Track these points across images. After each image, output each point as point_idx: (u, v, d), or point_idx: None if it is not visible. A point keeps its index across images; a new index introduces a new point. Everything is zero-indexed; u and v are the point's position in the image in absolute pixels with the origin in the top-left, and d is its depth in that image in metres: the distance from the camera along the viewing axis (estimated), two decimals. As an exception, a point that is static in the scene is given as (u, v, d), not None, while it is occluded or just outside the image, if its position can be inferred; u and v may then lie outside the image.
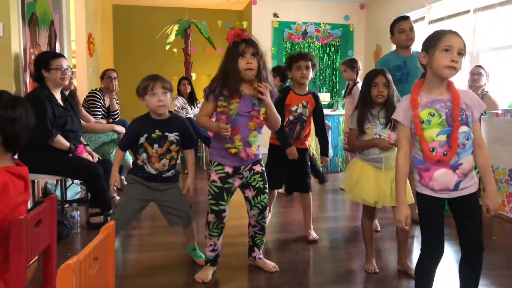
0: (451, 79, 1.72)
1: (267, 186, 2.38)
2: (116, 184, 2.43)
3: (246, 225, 3.34)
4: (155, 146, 2.31)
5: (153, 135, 2.30)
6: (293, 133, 2.86)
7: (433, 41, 1.69)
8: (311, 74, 2.85)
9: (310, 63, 2.81)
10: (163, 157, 2.33)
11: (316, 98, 2.91)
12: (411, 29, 3.13)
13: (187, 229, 2.53)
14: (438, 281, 2.35)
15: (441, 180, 1.70)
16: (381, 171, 2.33)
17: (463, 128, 1.68)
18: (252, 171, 2.31)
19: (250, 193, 2.35)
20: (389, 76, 2.33)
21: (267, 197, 2.39)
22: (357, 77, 4.45)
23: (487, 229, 3.30)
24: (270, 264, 2.48)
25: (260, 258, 2.50)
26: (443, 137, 1.68)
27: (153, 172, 2.34)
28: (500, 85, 4.27)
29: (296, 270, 2.52)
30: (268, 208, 3.10)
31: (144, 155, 2.33)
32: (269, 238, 3.04)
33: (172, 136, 2.33)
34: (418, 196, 1.79)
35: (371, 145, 2.33)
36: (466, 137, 1.69)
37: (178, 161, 2.49)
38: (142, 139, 2.31)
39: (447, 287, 2.32)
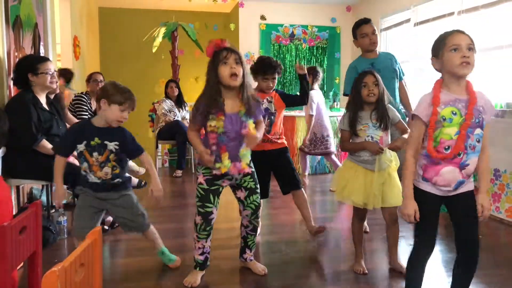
0: (469, 79, 1.74)
1: (258, 186, 2.37)
2: (61, 202, 2.23)
3: (236, 228, 3.32)
4: (95, 154, 2.21)
5: (92, 142, 2.20)
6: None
7: (440, 44, 1.71)
8: (275, 82, 2.90)
9: (276, 75, 2.85)
10: (104, 165, 2.23)
11: (280, 92, 2.96)
12: (373, 33, 3.07)
13: (146, 235, 2.48)
14: (426, 281, 2.38)
15: (446, 176, 1.73)
16: (371, 173, 2.33)
17: (477, 131, 1.71)
18: (242, 173, 2.30)
19: (242, 194, 2.34)
20: (378, 76, 2.34)
21: (259, 197, 2.37)
22: (313, 84, 4.54)
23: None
24: (260, 267, 2.47)
25: (251, 260, 2.50)
26: None
27: (97, 181, 2.25)
28: (483, 86, 4.32)
29: (286, 272, 2.51)
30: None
31: (85, 164, 2.24)
32: (259, 240, 3.04)
33: (111, 145, 2.22)
34: (418, 191, 1.81)
35: (361, 148, 2.34)
36: (478, 140, 1.72)
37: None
38: (81, 147, 2.21)
39: (436, 286, 2.34)
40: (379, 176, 2.31)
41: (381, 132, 2.33)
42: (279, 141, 2.94)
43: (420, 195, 1.79)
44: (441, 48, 1.70)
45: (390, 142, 2.38)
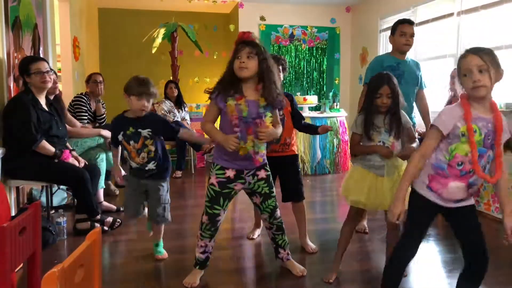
0: (494, 100, 1.76)
1: (273, 190, 2.36)
2: (119, 178, 2.66)
3: (236, 228, 3.33)
4: (132, 142, 2.47)
5: (127, 132, 2.47)
6: None
7: (458, 70, 1.76)
8: (281, 78, 2.82)
9: (281, 68, 2.80)
10: (141, 151, 2.49)
11: (290, 97, 2.85)
12: (412, 36, 3.09)
13: (158, 226, 2.69)
14: (426, 281, 2.38)
15: (453, 191, 1.74)
16: (380, 178, 2.27)
17: (490, 152, 1.72)
18: (256, 177, 2.28)
19: (257, 200, 2.35)
20: (394, 84, 2.27)
21: (274, 200, 2.37)
22: None
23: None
24: (298, 268, 2.48)
25: (288, 259, 2.50)
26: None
27: (136, 166, 2.52)
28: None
29: (286, 273, 2.51)
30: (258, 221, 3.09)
31: (125, 152, 2.53)
32: (258, 240, 3.04)
33: (145, 132, 2.47)
34: (419, 197, 1.80)
35: (372, 152, 2.28)
36: (488, 161, 1.74)
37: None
38: (120, 137, 2.49)
39: (436, 286, 2.34)
40: (389, 180, 2.28)
41: (392, 138, 2.30)
42: (289, 148, 2.84)
43: (420, 201, 1.80)
44: (459, 74, 1.74)
45: (400, 149, 2.34)
